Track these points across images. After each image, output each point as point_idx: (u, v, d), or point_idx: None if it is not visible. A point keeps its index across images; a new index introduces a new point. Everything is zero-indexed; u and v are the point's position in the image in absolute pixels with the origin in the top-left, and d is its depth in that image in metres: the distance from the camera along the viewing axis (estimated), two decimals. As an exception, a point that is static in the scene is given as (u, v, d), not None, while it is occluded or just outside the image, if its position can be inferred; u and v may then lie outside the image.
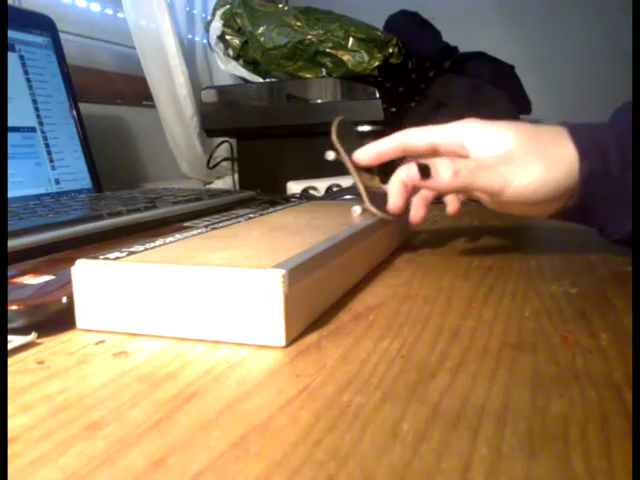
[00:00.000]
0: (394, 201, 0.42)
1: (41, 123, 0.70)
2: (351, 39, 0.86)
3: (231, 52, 1.02)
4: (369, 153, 0.43)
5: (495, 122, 0.38)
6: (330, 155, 0.43)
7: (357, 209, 0.43)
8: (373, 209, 0.42)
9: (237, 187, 1.05)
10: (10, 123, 0.65)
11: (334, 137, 0.43)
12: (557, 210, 0.38)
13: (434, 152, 0.40)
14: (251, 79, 1.01)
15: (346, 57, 0.86)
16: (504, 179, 0.36)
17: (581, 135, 0.36)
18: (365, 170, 0.44)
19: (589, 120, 0.38)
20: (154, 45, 0.97)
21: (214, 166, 1.07)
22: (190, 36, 1.17)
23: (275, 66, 0.93)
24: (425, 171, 0.38)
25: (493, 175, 0.37)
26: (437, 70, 0.98)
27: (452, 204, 0.46)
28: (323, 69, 0.90)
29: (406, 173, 0.43)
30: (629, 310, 0.31)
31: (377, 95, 0.86)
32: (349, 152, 0.43)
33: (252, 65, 1.01)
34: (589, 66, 1.42)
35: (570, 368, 0.24)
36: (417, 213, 0.44)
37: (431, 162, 0.40)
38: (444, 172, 0.38)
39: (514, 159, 0.36)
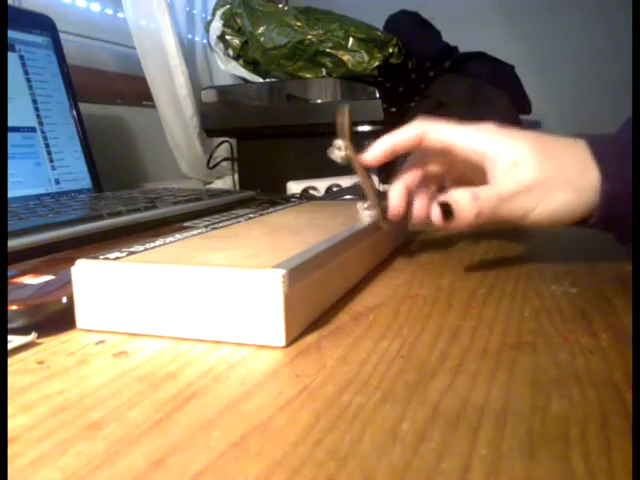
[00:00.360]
0: (396, 207, 0.41)
1: (41, 123, 0.70)
2: (351, 39, 0.86)
3: (231, 52, 1.02)
4: (383, 149, 0.39)
5: (515, 134, 0.37)
6: (336, 153, 0.38)
7: (367, 213, 0.40)
8: (380, 217, 0.40)
9: (237, 187, 1.05)
10: (10, 123, 0.65)
11: (346, 130, 0.38)
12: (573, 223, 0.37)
13: (445, 152, 0.39)
14: (251, 79, 1.01)
15: (346, 57, 0.86)
16: (524, 209, 0.35)
17: (605, 155, 0.35)
18: (366, 169, 0.42)
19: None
20: (154, 45, 0.97)
21: (214, 166, 1.07)
22: (190, 36, 1.17)
23: (275, 66, 0.93)
24: (447, 211, 0.36)
25: (514, 205, 0.35)
26: (437, 70, 0.98)
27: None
28: (323, 69, 0.90)
29: (410, 178, 0.42)
30: (629, 310, 0.31)
31: (377, 95, 0.86)
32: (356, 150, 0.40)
33: (252, 65, 1.01)
34: (589, 66, 1.42)
35: (570, 368, 0.24)
36: (420, 214, 0.42)
37: (447, 194, 0.37)
38: (462, 199, 0.36)
39: (535, 187, 0.35)
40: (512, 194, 0.35)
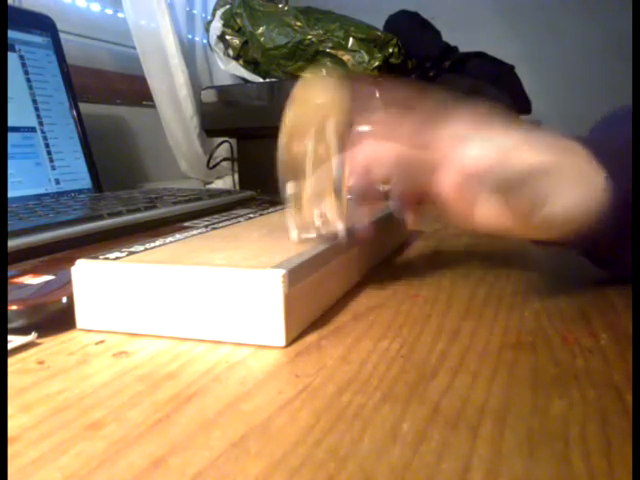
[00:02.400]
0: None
1: (41, 123, 0.70)
2: (351, 39, 0.86)
3: (231, 52, 1.02)
4: None
5: (501, 130, 0.31)
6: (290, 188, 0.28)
7: (294, 234, 0.32)
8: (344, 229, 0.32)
9: (237, 187, 1.05)
10: (10, 123, 0.65)
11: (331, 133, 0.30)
12: (560, 237, 0.33)
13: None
14: (251, 79, 1.01)
15: (346, 57, 0.86)
16: (532, 197, 0.30)
17: (606, 159, 0.31)
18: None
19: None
20: (154, 45, 0.97)
21: (214, 166, 1.07)
22: (190, 36, 1.17)
23: (275, 66, 0.93)
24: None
25: (520, 189, 0.30)
26: (437, 70, 0.98)
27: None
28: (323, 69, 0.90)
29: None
30: (629, 310, 0.31)
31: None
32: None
33: (252, 65, 1.01)
34: (589, 66, 1.42)
35: (570, 368, 0.24)
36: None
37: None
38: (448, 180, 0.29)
39: (548, 169, 0.30)
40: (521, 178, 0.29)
